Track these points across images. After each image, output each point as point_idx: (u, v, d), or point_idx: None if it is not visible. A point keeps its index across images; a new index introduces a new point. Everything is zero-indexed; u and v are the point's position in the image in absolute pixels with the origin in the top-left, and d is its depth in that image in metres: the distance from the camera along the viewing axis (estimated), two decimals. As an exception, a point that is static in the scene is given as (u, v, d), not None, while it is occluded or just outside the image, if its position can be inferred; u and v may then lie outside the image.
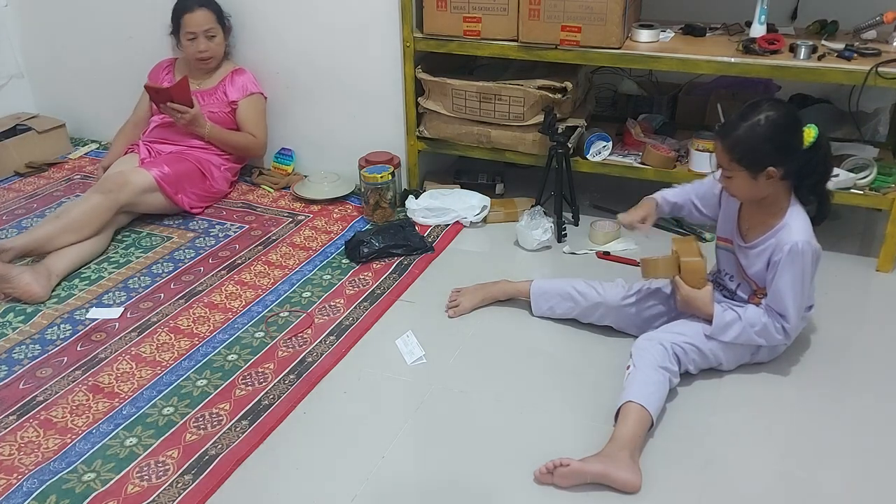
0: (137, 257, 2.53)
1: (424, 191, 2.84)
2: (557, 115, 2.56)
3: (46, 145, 3.34)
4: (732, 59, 2.33)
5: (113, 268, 2.48)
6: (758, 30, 2.45)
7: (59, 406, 1.86)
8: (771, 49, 2.34)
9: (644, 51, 2.45)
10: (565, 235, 2.60)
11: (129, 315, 2.22)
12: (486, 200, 2.75)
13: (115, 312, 2.23)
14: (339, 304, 2.26)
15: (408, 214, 2.74)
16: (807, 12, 2.72)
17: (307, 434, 1.78)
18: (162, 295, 2.32)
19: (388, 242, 2.48)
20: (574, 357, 2.03)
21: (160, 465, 1.67)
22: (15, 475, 1.65)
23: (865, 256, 2.47)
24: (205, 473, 1.65)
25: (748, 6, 2.48)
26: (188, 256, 2.53)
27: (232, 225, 2.74)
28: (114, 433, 1.77)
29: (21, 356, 2.05)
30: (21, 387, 1.93)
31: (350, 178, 2.92)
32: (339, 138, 2.99)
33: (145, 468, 1.66)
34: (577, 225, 2.70)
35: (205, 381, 1.94)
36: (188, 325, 2.17)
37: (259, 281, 2.38)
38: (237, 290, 2.34)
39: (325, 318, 2.19)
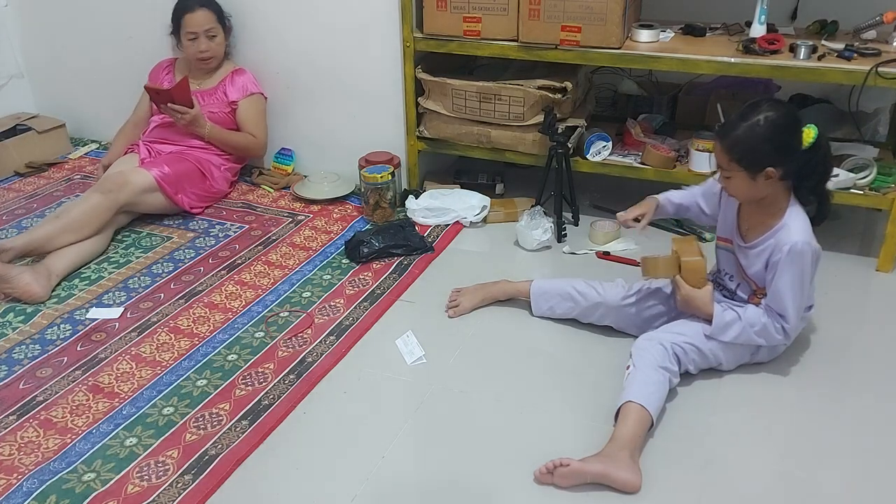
0: (137, 257, 2.53)
1: (424, 191, 2.84)
2: (557, 115, 2.56)
3: (46, 145, 3.34)
4: (732, 59, 2.33)
5: (113, 268, 2.48)
6: (758, 30, 2.45)
7: (59, 406, 1.86)
8: (771, 49, 2.34)
9: (644, 51, 2.45)
10: (565, 235, 2.60)
11: (129, 315, 2.22)
12: (486, 200, 2.75)
13: (115, 312, 2.23)
14: (339, 304, 2.26)
15: (408, 214, 2.75)
16: (807, 12, 2.72)
17: (307, 434, 1.78)
18: (162, 295, 2.32)
19: (388, 242, 2.48)
20: (574, 357, 2.03)
21: (160, 465, 1.67)
22: (15, 475, 1.65)
23: (865, 256, 2.47)
24: (205, 473, 1.65)
25: (748, 6, 2.48)
26: (188, 256, 2.53)
27: (232, 225, 2.74)
28: (114, 433, 1.77)
29: (21, 356, 2.05)
30: (21, 387, 1.93)
31: (350, 178, 2.92)
32: (339, 138, 2.99)
33: (145, 468, 1.66)
34: (577, 225, 2.70)
35: (205, 381, 1.94)
36: (188, 325, 2.17)
37: (259, 281, 2.38)
38: (237, 290, 2.34)
39: (325, 318, 2.19)
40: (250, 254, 2.54)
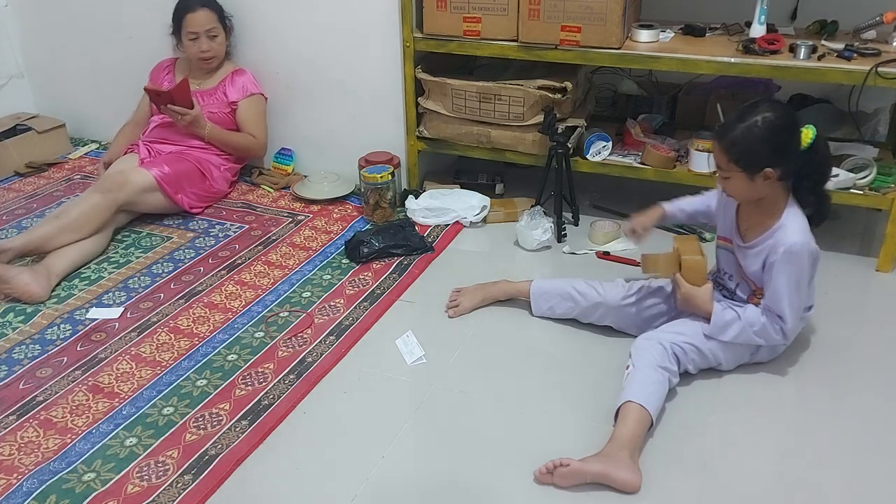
0: (137, 257, 2.53)
1: (424, 191, 2.84)
2: (557, 115, 2.56)
3: (46, 145, 3.34)
4: (732, 59, 2.33)
5: (113, 268, 2.48)
6: (758, 30, 2.46)
7: (59, 406, 1.86)
8: (771, 49, 2.34)
9: (644, 51, 2.45)
10: (565, 235, 2.60)
11: (128, 315, 2.22)
12: (486, 200, 2.75)
13: (114, 312, 2.23)
14: (339, 304, 2.26)
15: (408, 214, 2.75)
16: (807, 12, 2.72)
17: (307, 434, 1.78)
18: (162, 295, 2.32)
19: (388, 242, 2.49)
20: (574, 357, 2.04)
21: (160, 465, 1.67)
22: (15, 475, 1.65)
23: (865, 256, 2.47)
24: (205, 473, 1.65)
25: (748, 6, 2.48)
26: (188, 256, 2.53)
27: (232, 225, 2.75)
28: (114, 433, 1.77)
29: (21, 356, 2.05)
30: (21, 387, 1.93)
31: (350, 178, 2.92)
32: (339, 138, 3.00)
33: (145, 468, 1.66)
34: (577, 225, 2.70)
35: (205, 381, 1.94)
36: (188, 325, 2.17)
37: (259, 281, 2.38)
38: (237, 290, 2.34)
39: (325, 318, 2.19)
40: (250, 254, 2.54)
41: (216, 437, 1.75)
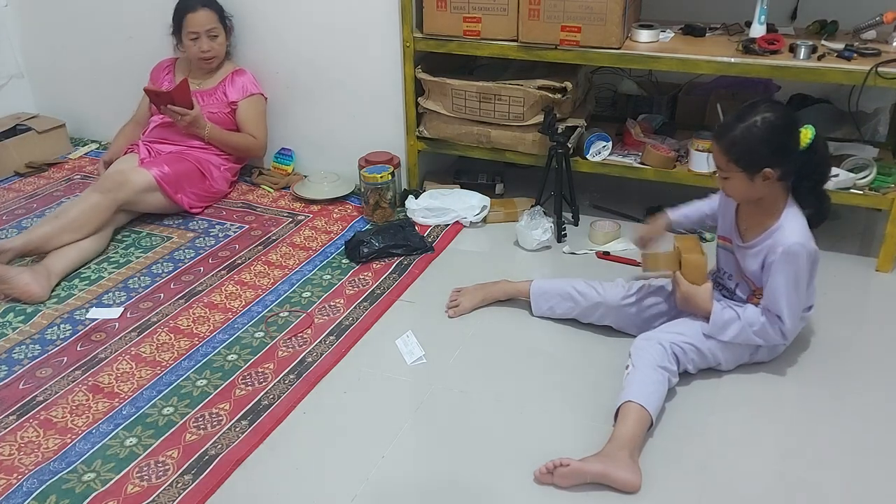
0: (137, 257, 2.53)
1: (424, 191, 2.84)
2: (557, 115, 2.56)
3: (46, 145, 3.34)
4: (732, 59, 2.33)
5: (113, 268, 2.48)
6: (758, 30, 2.46)
7: (59, 406, 1.86)
8: (771, 49, 2.34)
9: (644, 51, 2.45)
10: (565, 235, 2.60)
11: (128, 315, 2.22)
12: (486, 200, 2.75)
13: (115, 312, 2.23)
14: (338, 304, 2.26)
15: (408, 214, 2.75)
16: (807, 12, 2.72)
17: (307, 434, 1.78)
18: (162, 295, 2.32)
19: (388, 242, 2.49)
20: (574, 357, 2.04)
21: (160, 465, 1.67)
22: (15, 475, 1.65)
23: (865, 256, 2.47)
24: (205, 473, 1.65)
25: (748, 6, 2.48)
26: (188, 256, 2.53)
27: (232, 225, 2.75)
28: (114, 433, 1.77)
29: (21, 356, 2.05)
30: (21, 387, 1.93)
31: (350, 178, 2.92)
32: (339, 138, 3.00)
33: (145, 468, 1.66)
34: (576, 225, 2.70)
35: (205, 381, 1.94)
36: (188, 325, 2.17)
37: (259, 281, 2.38)
38: (237, 290, 2.34)
39: (325, 318, 2.19)
40: (250, 254, 2.54)
41: (216, 437, 1.75)
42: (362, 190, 2.76)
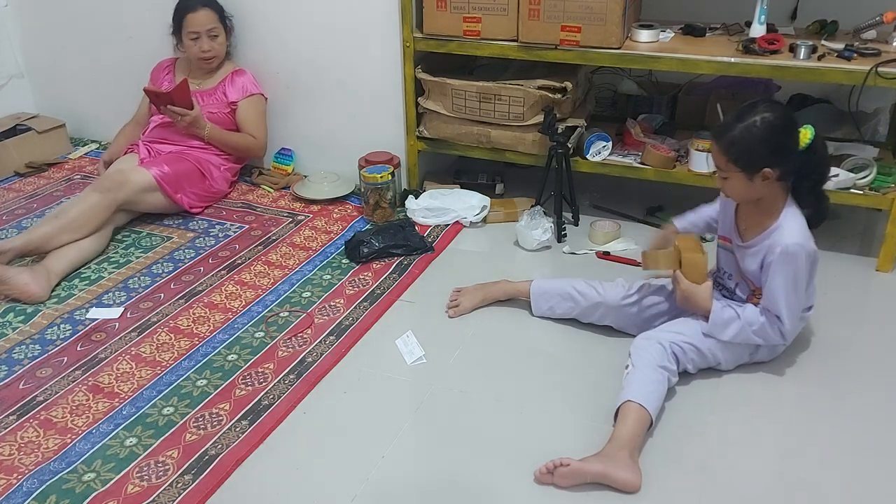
0: (137, 257, 2.53)
1: (424, 191, 2.84)
2: (557, 115, 2.56)
3: (46, 145, 3.34)
4: (732, 59, 2.33)
5: (113, 268, 2.48)
6: (758, 30, 2.46)
7: (59, 406, 1.86)
8: (771, 49, 2.34)
9: (644, 51, 2.45)
10: (565, 235, 2.60)
11: (129, 315, 2.22)
12: (486, 200, 2.75)
13: (115, 312, 2.23)
14: (339, 304, 2.26)
15: (408, 214, 2.75)
16: (807, 12, 2.72)
17: (307, 434, 1.78)
18: (162, 295, 2.32)
19: (388, 242, 2.49)
20: (574, 357, 2.04)
21: (160, 465, 1.67)
22: (15, 475, 1.65)
23: (865, 256, 2.47)
24: (205, 473, 1.65)
25: (748, 6, 2.48)
26: (188, 256, 2.53)
27: (232, 225, 2.75)
28: (114, 433, 1.77)
29: (21, 356, 2.05)
30: (21, 387, 1.93)
31: (350, 178, 2.92)
32: (339, 138, 3.00)
33: (145, 468, 1.66)
34: (577, 225, 2.70)
35: (205, 381, 1.94)
36: (188, 325, 2.17)
37: (259, 281, 2.38)
38: (237, 290, 2.34)
39: (325, 318, 2.19)
40: (250, 254, 2.54)
41: (216, 437, 1.75)
42: (362, 190, 2.76)
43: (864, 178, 2.37)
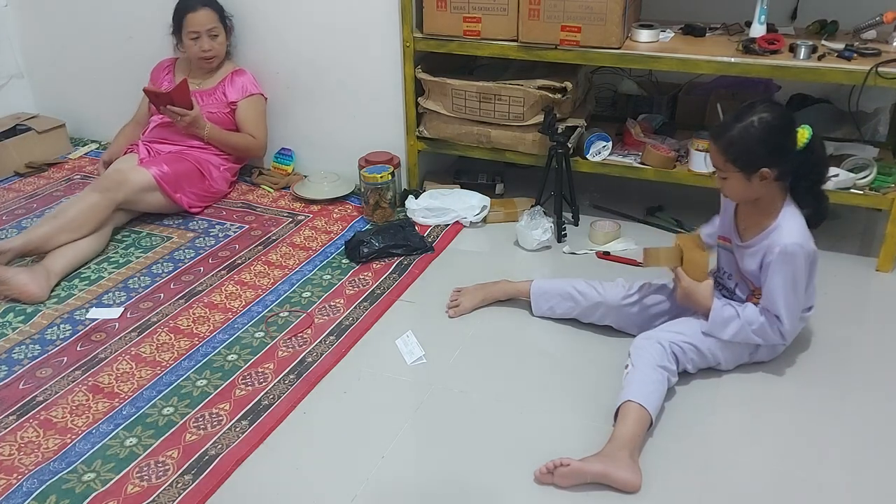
0: (137, 257, 2.53)
1: (424, 191, 2.84)
2: (557, 115, 2.56)
3: (46, 145, 3.34)
4: (732, 59, 2.33)
5: (113, 268, 2.48)
6: (758, 30, 2.46)
7: (59, 406, 1.86)
8: (771, 49, 2.34)
9: (644, 51, 2.45)
10: (565, 235, 2.60)
11: (128, 315, 2.22)
12: (486, 200, 2.75)
13: (114, 312, 2.23)
14: (339, 304, 2.26)
15: (408, 214, 2.74)
16: (807, 12, 2.72)
17: (307, 434, 1.78)
18: (162, 295, 2.32)
19: (388, 242, 2.48)
20: (574, 357, 2.03)
21: (160, 465, 1.67)
22: (15, 475, 1.65)
23: (865, 256, 2.47)
24: (205, 473, 1.65)
25: (748, 6, 2.48)
26: (188, 256, 2.53)
27: (232, 225, 2.74)
28: (114, 433, 1.77)
29: (21, 356, 2.05)
30: (21, 387, 1.93)
31: (350, 178, 2.92)
32: (339, 138, 2.99)
33: (145, 468, 1.66)
34: (577, 225, 2.70)
35: (205, 381, 1.94)
36: (188, 325, 2.17)
37: (259, 281, 2.38)
38: (237, 290, 2.34)
39: (325, 318, 2.19)
40: (250, 254, 2.54)
41: (216, 437, 1.75)
42: (362, 190, 2.76)
43: (864, 178, 2.37)
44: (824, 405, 1.84)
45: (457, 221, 2.71)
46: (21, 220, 2.80)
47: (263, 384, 1.92)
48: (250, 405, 1.85)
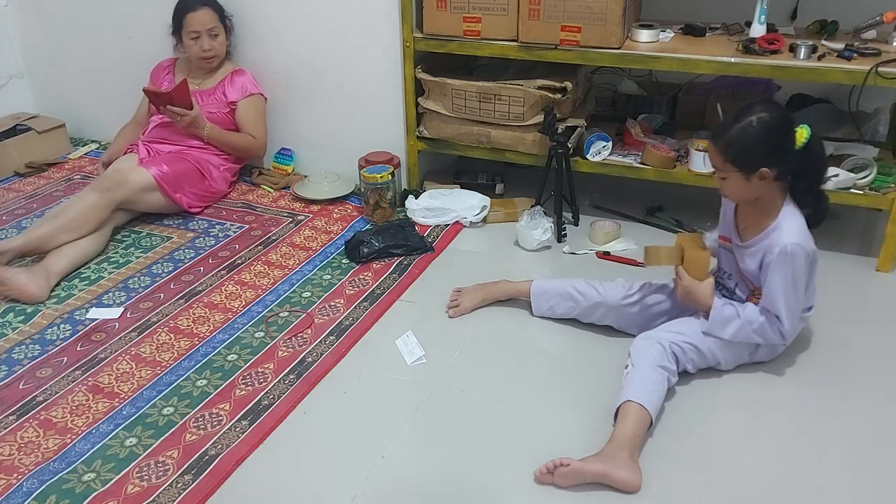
0: (137, 257, 2.53)
1: (424, 191, 2.84)
2: (557, 115, 2.56)
3: (46, 145, 3.34)
4: (732, 59, 2.33)
5: (113, 268, 2.48)
6: (758, 30, 2.45)
7: (59, 406, 1.86)
8: (771, 49, 2.34)
9: (644, 51, 2.45)
10: (565, 235, 2.60)
11: (128, 315, 2.22)
12: (486, 200, 2.75)
13: (114, 312, 2.23)
14: (339, 304, 2.26)
15: (408, 214, 2.74)
16: (807, 12, 2.72)
17: (307, 434, 1.78)
18: (162, 295, 2.32)
19: (388, 242, 2.48)
20: (574, 357, 2.03)
21: (160, 465, 1.67)
22: (15, 475, 1.65)
23: (865, 256, 2.47)
24: (205, 473, 1.65)
25: (748, 6, 2.48)
26: (188, 256, 2.53)
27: (232, 225, 2.74)
28: (114, 433, 1.77)
29: (21, 356, 2.05)
30: (21, 387, 1.93)
31: (350, 178, 2.92)
32: (338, 138, 2.99)
33: (145, 468, 1.66)
34: (577, 225, 2.70)
35: (205, 381, 1.94)
36: (188, 325, 2.17)
37: (259, 281, 2.38)
38: (237, 290, 2.34)
39: (325, 318, 2.19)
40: (250, 254, 2.54)
41: (216, 437, 1.75)
42: (362, 190, 2.76)
43: (865, 178, 2.37)
44: (824, 405, 1.84)
45: (457, 221, 2.71)
46: (21, 220, 2.80)
47: (263, 384, 1.92)
48: (250, 405, 1.85)
